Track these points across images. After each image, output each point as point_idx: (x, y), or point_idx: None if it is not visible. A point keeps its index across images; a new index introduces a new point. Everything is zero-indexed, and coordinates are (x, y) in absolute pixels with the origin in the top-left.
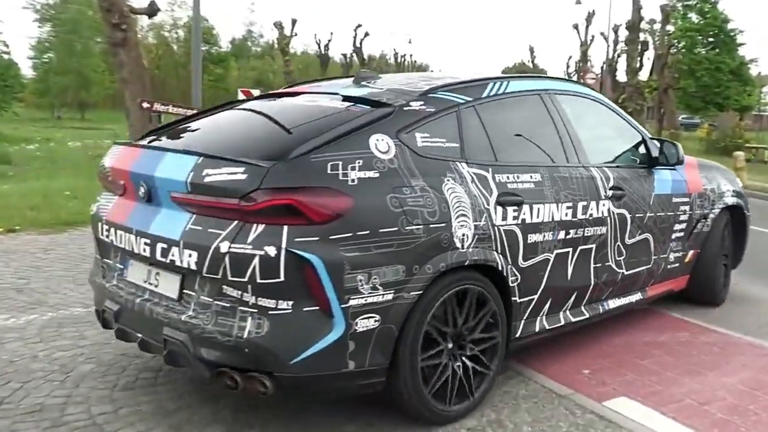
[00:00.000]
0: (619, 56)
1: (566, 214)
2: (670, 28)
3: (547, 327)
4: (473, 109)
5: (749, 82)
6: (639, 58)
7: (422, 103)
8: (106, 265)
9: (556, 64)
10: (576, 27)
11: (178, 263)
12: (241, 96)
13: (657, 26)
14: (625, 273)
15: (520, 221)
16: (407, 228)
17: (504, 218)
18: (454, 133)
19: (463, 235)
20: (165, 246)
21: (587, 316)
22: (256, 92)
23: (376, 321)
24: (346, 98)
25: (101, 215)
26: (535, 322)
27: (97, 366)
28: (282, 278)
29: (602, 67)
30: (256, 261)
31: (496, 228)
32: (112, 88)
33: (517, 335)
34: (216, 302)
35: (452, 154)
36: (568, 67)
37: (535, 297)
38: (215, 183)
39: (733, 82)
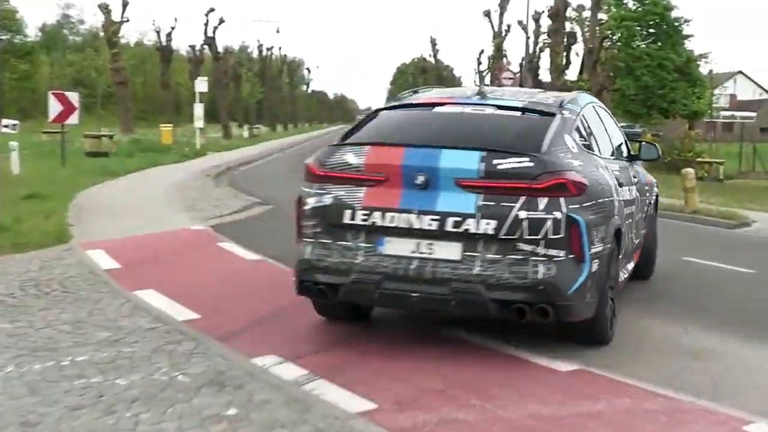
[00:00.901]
0: (541, 51)
1: (629, 194)
2: (602, 16)
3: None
4: (582, 117)
5: (699, 82)
6: (565, 54)
7: (568, 112)
8: (341, 247)
9: (463, 60)
10: (488, 15)
11: (472, 231)
12: (53, 100)
13: (586, 14)
14: (635, 242)
15: (621, 198)
16: (604, 199)
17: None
18: (586, 133)
19: (617, 205)
20: (458, 219)
21: (627, 274)
22: (74, 95)
23: (598, 265)
24: (501, 107)
25: (350, 203)
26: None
27: None
28: (562, 234)
29: (521, 64)
30: (548, 223)
31: (619, 202)
32: None
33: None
34: (509, 256)
35: (589, 149)
36: (479, 63)
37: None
38: (508, 169)
39: (680, 82)
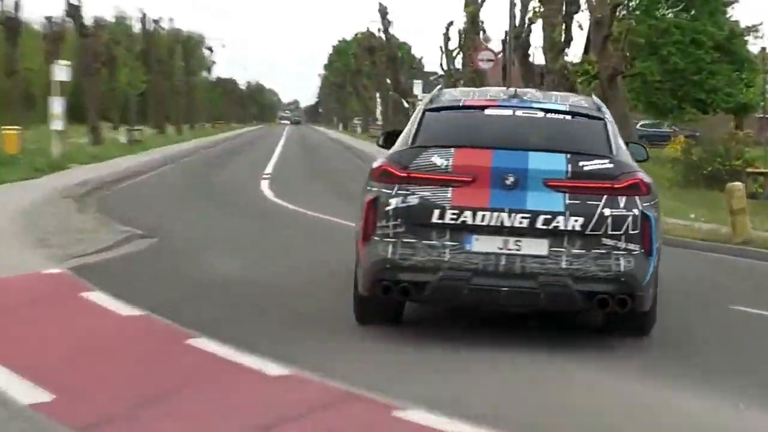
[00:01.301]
0: (531, 23)
1: None
2: None
3: None
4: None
5: (747, 64)
6: (564, 27)
7: (608, 115)
8: (426, 245)
9: (425, 36)
10: None
11: (561, 228)
12: None
13: None
14: None
15: None
16: (658, 199)
17: None
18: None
19: None
20: (548, 217)
21: None
22: None
23: (658, 259)
24: (552, 111)
25: (438, 203)
26: None
27: None
28: (638, 230)
29: (504, 41)
30: (629, 220)
31: None
32: None
33: None
34: (594, 250)
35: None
36: (447, 40)
37: None
38: (592, 170)
39: (722, 64)
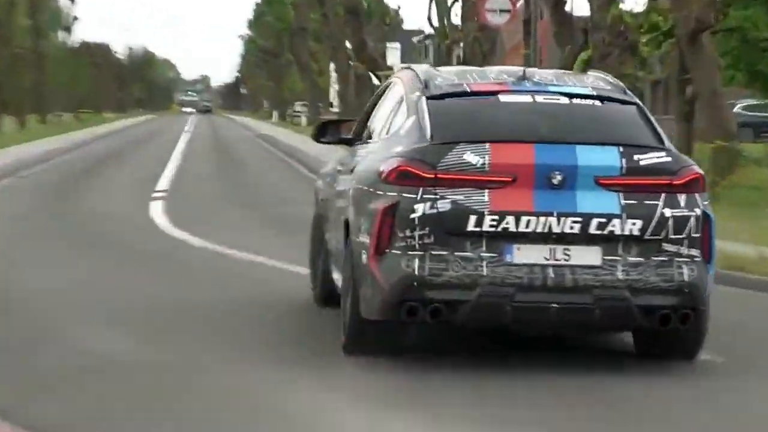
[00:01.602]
0: None
1: None
2: None
3: None
4: None
5: None
6: None
7: (630, 94)
8: (461, 258)
9: None
10: None
11: (616, 232)
12: None
13: None
14: None
15: None
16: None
17: None
18: None
19: None
20: (603, 220)
21: None
22: None
23: (714, 270)
24: (576, 96)
25: (475, 208)
26: None
27: None
28: (700, 233)
29: None
30: (692, 221)
31: None
32: None
33: None
34: (653, 258)
35: None
36: None
37: None
38: (650, 165)
39: None
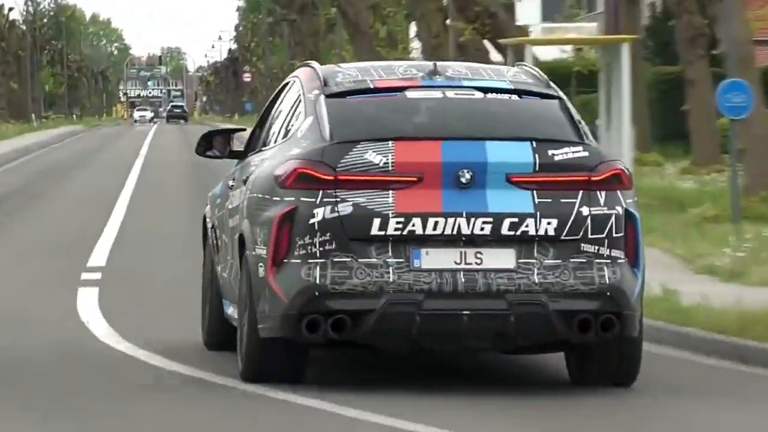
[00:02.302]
0: None
1: None
2: None
3: None
4: None
5: None
6: None
7: (561, 92)
8: (365, 265)
9: None
10: None
11: (530, 233)
12: None
13: None
14: None
15: None
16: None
17: None
18: None
19: None
20: (516, 220)
21: None
22: None
23: (643, 276)
24: (490, 90)
25: (378, 210)
26: None
27: None
28: (623, 233)
29: None
30: (612, 220)
31: None
32: None
33: None
34: (571, 260)
35: None
36: None
37: None
38: (564, 161)
39: None
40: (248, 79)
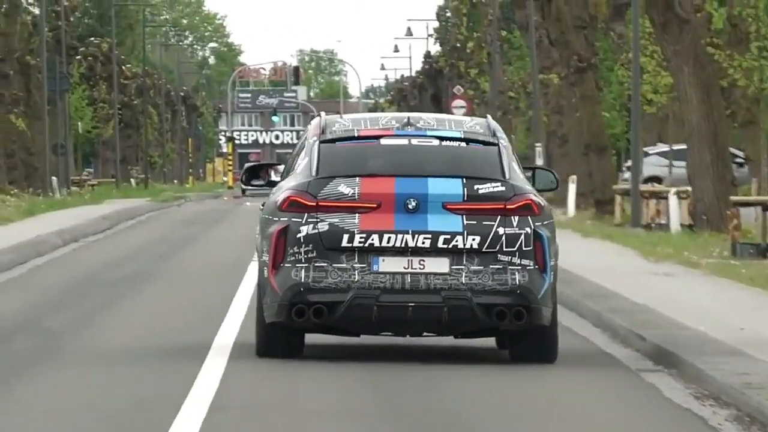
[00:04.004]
0: None
1: None
2: None
3: None
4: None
5: None
6: None
7: (503, 140)
8: (337, 268)
9: None
10: None
11: (459, 246)
12: None
13: None
14: None
15: None
16: (552, 220)
17: None
18: (516, 161)
19: None
20: (449, 237)
21: None
22: None
23: (553, 277)
24: (446, 138)
25: (347, 228)
26: None
27: None
28: (531, 247)
29: None
30: (522, 237)
31: None
32: None
33: None
34: (491, 266)
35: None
36: None
37: None
38: (486, 193)
39: None
40: (461, 108)
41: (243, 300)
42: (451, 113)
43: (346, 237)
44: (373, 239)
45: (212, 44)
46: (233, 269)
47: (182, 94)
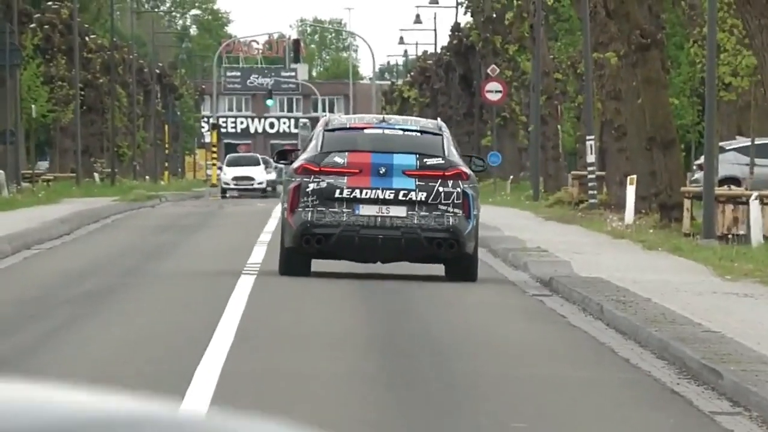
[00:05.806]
0: None
1: None
2: None
3: None
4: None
5: None
6: None
7: (446, 132)
8: (331, 212)
9: None
10: None
11: (413, 199)
12: None
13: None
14: None
15: None
16: (476, 184)
17: None
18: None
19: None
20: (406, 192)
21: None
22: None
23: (476, 222)
24: (407, 130)
25: (339, 185)
26: None
27: None
28: (461, 201)
29: None
30: (454, 194)
31: None
32: None
33: None
34: (433, 213)
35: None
36: None
37: None
38: (432, 165)
39: None
40: (497, 93)
41: (228, 326)
42: (485, 99)
43: (338, 191)
44: (356, 193)
45: (194, 11)
46: (218, 286)
47: (157, 71)
